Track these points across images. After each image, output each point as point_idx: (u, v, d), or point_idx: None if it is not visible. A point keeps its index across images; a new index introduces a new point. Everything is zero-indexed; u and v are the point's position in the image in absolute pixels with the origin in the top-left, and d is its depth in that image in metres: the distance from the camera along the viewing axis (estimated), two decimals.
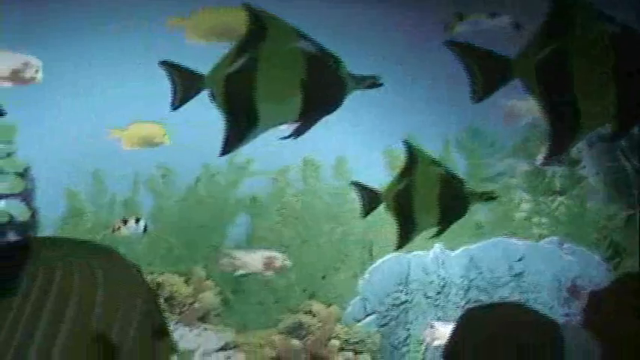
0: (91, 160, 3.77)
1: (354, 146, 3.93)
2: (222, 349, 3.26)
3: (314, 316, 3.43)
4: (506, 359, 1.50)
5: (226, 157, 3.66)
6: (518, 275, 3.65)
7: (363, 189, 2.68)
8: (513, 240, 3.71)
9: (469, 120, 3.96)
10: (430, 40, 3.79)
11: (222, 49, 2.37)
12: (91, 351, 1.42)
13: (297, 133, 2.22)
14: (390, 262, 3.55)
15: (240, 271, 3.35)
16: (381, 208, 3.76)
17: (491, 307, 1.72)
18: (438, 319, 3.44)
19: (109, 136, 3.50)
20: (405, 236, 2.59)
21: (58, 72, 3.66)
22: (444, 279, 3.56)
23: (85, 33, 3.92)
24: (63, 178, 3.83)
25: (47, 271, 1.44)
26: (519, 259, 3.66)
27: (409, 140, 2.67)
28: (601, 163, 4.15)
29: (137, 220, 3.35)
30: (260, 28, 2.14)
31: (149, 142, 3.48)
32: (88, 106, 3.84)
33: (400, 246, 2.63)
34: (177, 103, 2.20)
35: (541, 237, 3.85)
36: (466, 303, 3.54)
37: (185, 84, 2.18)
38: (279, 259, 3.37)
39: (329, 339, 3.34)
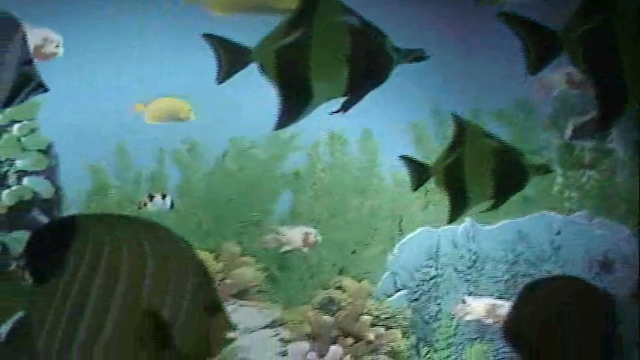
0: (115, 136, 3.77)
1: (380, 120, 3.91)
2: (269, 326, 3.26)
3: (344, 291, 3.42)
4: (566, 332, 1.49)
5: (259, 131, 3.71)
6: (557, 249, 3.65)
7: (411, 162, 2.64)
8: (552, 214, 3.70)
9: (505, 93, 3.93)
10: (461, 12, 3.79)
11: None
12: (143, 326, 1.42)
13: (344, 108, 2.22)
14: (419, 236, 3.54)
15: (285, 248, 3.35)
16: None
17: (548, 281, 1.71)
18: (470, 293, 3.43)
19: (132, 111, 3.49)
20: (457, 210, 2.56)
21: (79, 47, 3.65)
22: (475, 253, 3.55)
23: (106, 6, 3.90)
24: (87, 154, 3.83)
25: (95, 247, 1.44)
26: (557, 233, 3.66)
27: (457, 113, 2.62)
28: (627, 136, 4.12)
29: (163, 196, 3.34)
30: (312, 1, 2.13)
31: (174, 117, 3.47)
32: (111, 81, 3.84)
33: (452, 220, 2.60)
34: (223, 76, 2.19)
35: (571, 211, 3.83)
36: (511, 277, 3.54)
37: (231, 57, 2.17)
38: (313, 234, 3.37)
39: (360, 314, 3.34)
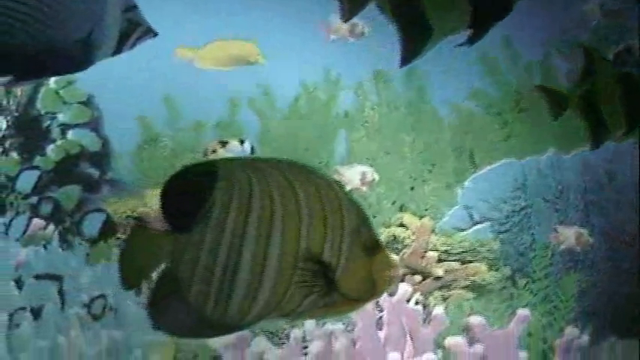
0: (165, 83, 3.75)
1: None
2: None
3: (407, 228, 3.43)
4: None
5: (318, 73, 3.71)
6: (612, 177, 3.69)
7: (549, 92, 2.65)
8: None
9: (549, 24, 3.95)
10: None
11: None
12: (306, 271, 1.40)
13: (470, 41, 2.20)
14: (499, 168, 3.56)
15: (348, 188, 3.36)
16: None
17: None
18: (561, 223, 3.47)
19: (184, 56, 3.44)
20: (598, 138, 2.59)
21: None
22: (560, 182, 3.58)
23: None
24: (132, 104, 3.79)
25: (242, 192, 1.42)
26: (610, 162, 3.71)
27: (586, 43, 2.63)
28: None
29: (241, 142, 3.28)
30: None
31: (242, 62, 3.41)
32: (160, 25, 3.79)
33: (594, 147, 2.63)
34: (347, 16, 2.17)
35: (621, 139, 3.87)
36: (585, 205, 3.58)
37: None
38: (369, 172, 3.37)
39: (426, 251, 3.34)
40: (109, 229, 3.42)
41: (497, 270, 3.39)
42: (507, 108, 3.80)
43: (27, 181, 3.63)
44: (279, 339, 2.96)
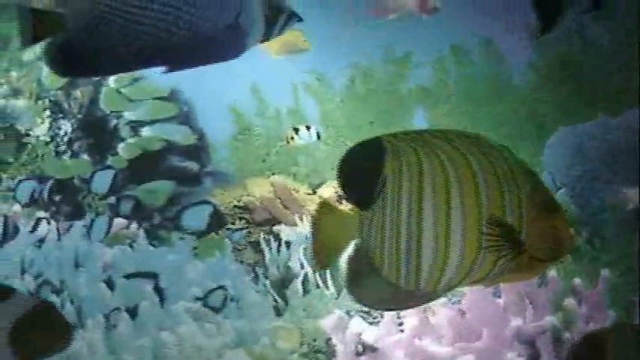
0: (248, 75, 3.80)
1: (500, 27, 3.91)
2: None
3: None
4: None
5: (381, 52, 3.75)
6: None
7: None
8: None
9: None
10: None
11: None
12: (490, 235, 1.45)
13: (595, 8, 2.25)
14: (562, 134, 3.60)
15: None
16: None
17: None
18: (623, 184, 3.49)
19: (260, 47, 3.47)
20: None
21: None
22: (613, 145, 3.63)
23: None
24: (223, 96, 3.86)
25: (411, 165, 1.46)
26: None
27: None
28: None
29: (308, 128, 3.36)
30: None
31: (292, 50, 3.44)
32: None
33: None
34: None
35: None
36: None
37: None
38: None
39: None
40: (217, 220, 3.38)
41: (579, 233, 3.42)
42: (555, 76, 3.83)
43: (102, 181, 3.61)
44: (374, 317, 2.99)
